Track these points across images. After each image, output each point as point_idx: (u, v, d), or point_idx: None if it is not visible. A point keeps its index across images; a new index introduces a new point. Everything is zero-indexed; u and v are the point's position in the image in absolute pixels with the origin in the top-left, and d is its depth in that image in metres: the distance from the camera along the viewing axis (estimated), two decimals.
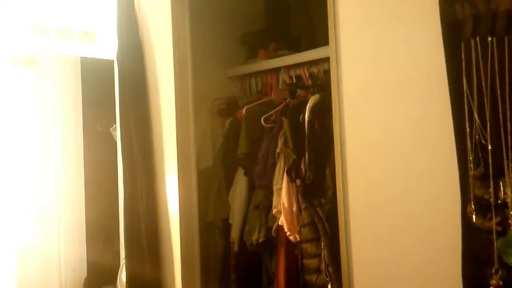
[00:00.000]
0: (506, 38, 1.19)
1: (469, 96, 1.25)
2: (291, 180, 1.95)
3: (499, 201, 1.21)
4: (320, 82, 2.08)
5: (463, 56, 1.26)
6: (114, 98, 2.48)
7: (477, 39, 1.23)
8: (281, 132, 2.04)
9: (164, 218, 2.24)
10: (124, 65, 2.33)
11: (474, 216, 1.24)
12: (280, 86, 2.31)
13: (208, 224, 2.35)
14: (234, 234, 2.25)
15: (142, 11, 2.37)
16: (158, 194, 2.27)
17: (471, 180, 1.25)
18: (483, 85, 1.23)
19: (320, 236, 1.83)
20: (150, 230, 2.24)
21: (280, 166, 2.04)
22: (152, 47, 2.32)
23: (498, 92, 1.21)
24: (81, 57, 3.29)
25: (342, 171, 1.61)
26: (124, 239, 2.31)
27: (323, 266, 1.82)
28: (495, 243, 1.21)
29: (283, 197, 1.97)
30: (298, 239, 1.94)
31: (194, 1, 2.27)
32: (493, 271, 1.21)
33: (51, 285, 2.69)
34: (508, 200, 1.19)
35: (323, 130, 1.87)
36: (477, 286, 1.25)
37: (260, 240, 2.11)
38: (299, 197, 1.93)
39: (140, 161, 2.27)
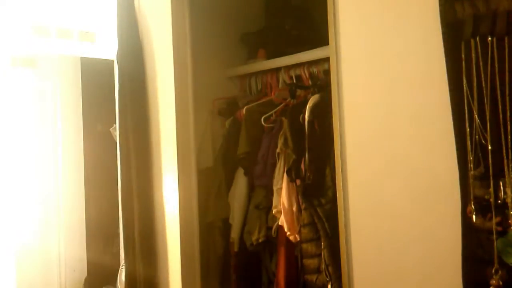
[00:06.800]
0: (506, 38, 1.19)
1: (469, 96, 1.25)
2: (291, 180, 1.95)
3: (499, 201, 1.21)
4: (320, 82, 2.08)
5: (463, 56, 1.26)
6: (114, 98, 2.48)
7: (477, 39, 1.23)
8: (281, 132, 2.04)
9: (163, 218, 2.24)
10: (124, 65, 2.32)
11: (474, 216, 1.24)
12: (280, 86, 2.30)
13: (208, 224, 2.35)
14: (234, 234, 2.25)
15: (142, 11, 2.37)
16: (155, 194, 2.27)
17: (471, 180, 1.25)
18: (483, 85, 1.23)
19: (320, 236, 1.83)
20: (146, 230, 2.24)
21: (280, 166, 2.04)
22: (152, 47, 2.32)
23: (498, 92, 1.21)
24: (81, 57, 3.29)
25: (342, 171, 1.61)
26: (123, 239, 2.31)
27: (323, 266, 1.82)
28: (495, 243, 1.21)
29: (283, 197, 1.96)
30: (298, 239, 1.94)
31: (194, 1, 2.27)
32: (493, 271, 1.21)
33: (51, 285, 2.69)
34: (508, 200, 1.19)
35: (323, 130, 1.87)
36: (477, 286, 1.25)
37: (260, 240, 2.11)
38: (299, 197, 1.93)
39: (135, 161, 2.26)
